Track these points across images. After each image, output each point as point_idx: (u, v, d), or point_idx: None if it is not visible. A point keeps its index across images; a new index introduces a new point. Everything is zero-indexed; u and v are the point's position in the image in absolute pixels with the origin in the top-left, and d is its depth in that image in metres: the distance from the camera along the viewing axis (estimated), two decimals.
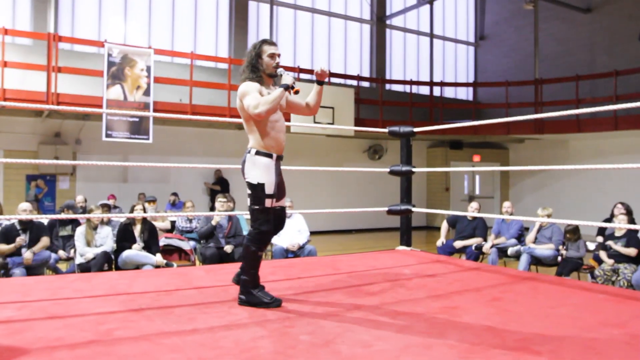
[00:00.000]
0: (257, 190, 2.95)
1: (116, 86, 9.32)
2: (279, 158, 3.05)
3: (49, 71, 8.97)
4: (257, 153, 2.98)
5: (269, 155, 2.99)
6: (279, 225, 3.18)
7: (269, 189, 2.95)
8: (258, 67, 3.04)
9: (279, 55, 3.09)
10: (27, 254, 5.52)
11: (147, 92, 9.57)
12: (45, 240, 5.78)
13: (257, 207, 2.95)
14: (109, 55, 9.29)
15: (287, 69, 11.64)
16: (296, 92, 2.99)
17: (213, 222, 6.25)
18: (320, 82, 3.18)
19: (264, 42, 3.09)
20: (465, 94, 17.16)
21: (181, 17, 12.62)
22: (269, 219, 2.98)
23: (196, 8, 12.80)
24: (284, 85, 2.96)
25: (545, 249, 6.38)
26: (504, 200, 14.39)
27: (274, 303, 2.89)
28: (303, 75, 11.98)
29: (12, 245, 5.53)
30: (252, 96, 2.92)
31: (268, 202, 2.95)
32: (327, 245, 10.30)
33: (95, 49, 10.94)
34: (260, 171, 2.95)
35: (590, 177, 13.15)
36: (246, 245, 2.99)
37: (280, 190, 3.06)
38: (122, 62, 9.40)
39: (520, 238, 6.91)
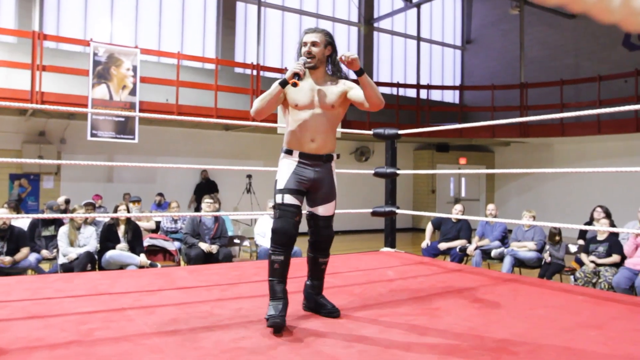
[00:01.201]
0: (275, 187, 2.77)
1: (102, 85, 9.25)
2: (303, 156, 2.76)
3: (33, 69, 8.88)
4: (284, 151, 2.80)
5: (291, 152, 2.78)
6: (316, 235, 2.83)
7: (281, 183, 2.73)
8: (299, 56, 2.82)
9: (306, 44, 2.80)
10: (6, 258, 5.45)
11: (133, 92, 9.51)
12: (24, 252, 5.68)
13: (273, 204, 2.79)
14: (95, 54, 9.22)
15: (273, 70, 11.73)
16: (294, 85, 2.67)
17: (204, 248, 6.21)
18: (357, 72, 2.73)
19: (304, 33, 2.85)
20: (451, 97, 17.28)
21: (168, 17, 12.56)
22: (280, 216, 2.68)
23: (183, 8, 12.75)
24: (281, 79, 2.72)
25: (528, 252, 6.45)
26: (489, 202, 14.53)
27: (269, 320, 2.52)
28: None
29: None
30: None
31: (278, 198, 2.72)
32: None
33: (81, 48, 10.85)
34: (281, 167, 2.78)
35: (574, 180, 13.31)
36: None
37: (292, 186, 2.72)
38: (108, 61, 9.34)
39: (503, 240, 6.98)
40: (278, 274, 2.66)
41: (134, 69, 9.55)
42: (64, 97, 9.13)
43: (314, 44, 2.78)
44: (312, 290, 2.89)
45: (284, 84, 2.72)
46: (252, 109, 2.78)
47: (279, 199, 2.71)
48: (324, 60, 2.83)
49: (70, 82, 10.04)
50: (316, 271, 2.88)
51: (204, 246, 6.17)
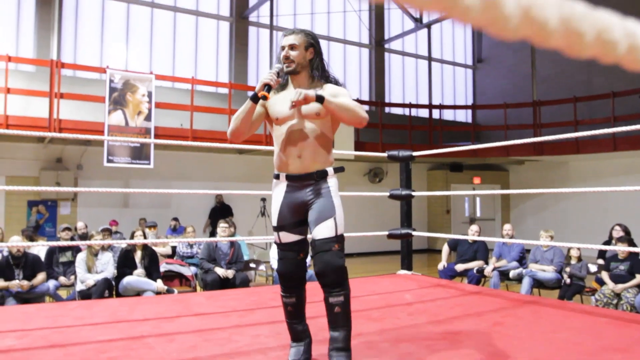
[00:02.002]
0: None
1: (118, 112, 9.41)
2: (290, 177, 2.41)
3: (51, 97, 9.06)
4: (274, 176, 2.49)
5: (278, 176, 2.47)
6: (315, 263, 2.31)
7: (275, 219, 2.43)
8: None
9: (282, 48, 2.47)
10: (24, 282, 5.51)
11: (148, 118, 9.65)
12: (41, 277, 5.74)
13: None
14: (111, 81, 9.40)
15: None
16: (263, 97, 2.36)
17: (220, 273, 6.20)
18: (319, 102, 2.30)
19: (284, 33, 2.52)
20: (464, 116, 17.28)
21: (182, 43, 12.80)
22: (280, 257, 2.41)
23: (197, 34, 12.99)
24: (252, 94, 2.39)
25: (547, 272, 6.37)
26: (505, 222, 14.37)
27: None
28: None
29: (7, 283, 5.50)
30: None
31: (275, 236, 2.43)
32: None
33: (97, 75, 11.08)
34: (273, 197, 2.46)
35: (591, 198, 13.16)
36: None
37: (286, 220, 2.41)
38: (124, 87, 9.51)
39: (521, 261, 6.90)
40: (294, 316, 2.41)
41: (149, 94, 9.71)
42: (81, 123, 9.30)
43: (292, 47, 2.43)
44: (330, 344, 2.27)
45: (254, 98, 2.37)
46: (228, 130, 2.44)
47: (275, 237, 2.43)
48: (306, 64, 2.47)
49: (87, 109, 10.23)
50: (330, 315, 2.27)
51: (220, 271, 6.18)
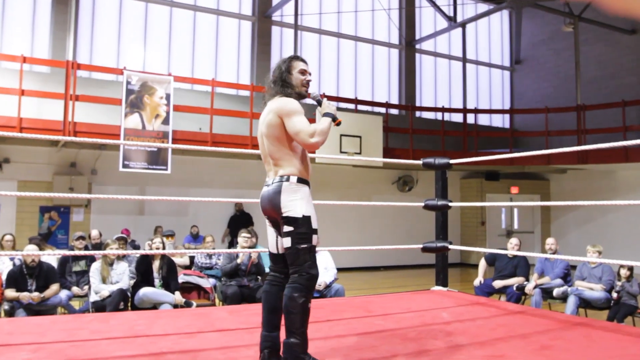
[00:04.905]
0: (302, 226, 2.64)
1: (134, 115, 9.52)
2: (309, 185, 2.84)
3: (66, 99, 9.22)
4: (299, 181, 2.72)
5: (308, 184, 2.77)
6: None
7: (315, 222, 2.68)
8: (289, 82, 2.83)
9: (309, 74, 2.91)
10: (34, 293, 5.58)
11: (166, 121, 9.75)
12: (54, 288, 5.82)
13: (304, 245, 2.62)
14: (128, 82, 9.53)
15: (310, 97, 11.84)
16: (338, 124, 2.83)
17: (238, 260, 6.22)
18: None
19: (293, 57, 2.90)
20: (501, 121, 17.08)
21: (202, 44, 12.93)
22: (315, 261, 2.67)
23: (217, 34, 13.11)
24: (330, 115, 2.81)
25: (595, 291, 6.21)
26: (545, 235, 14.12)
27: None
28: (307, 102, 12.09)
29: (18, 294, 5.57)
30: (303, 120, 2.72)
31: (315, 239, 2.67)
32: (353, 283, 10.19)
33: (114, 77, 11.25)
34: (303, 202, 2.68)
35: None
36: (292, 297, 2.58)
37: None
38: (141, 89, 9.62)
39: (566, 278, 6.74)
40: (308, 323, 2.63)
41: (167, 97, 9.81)
42: (96, 127, 9.43)
43: (310, 73, 2.94)
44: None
45: (335, 119, 2.83)
46: (318, 140, 2.68)
47: (314, 239, 2.67)
48: None
49: (102, 112, 10.38)
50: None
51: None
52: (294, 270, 2.62)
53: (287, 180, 2.69)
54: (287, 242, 2.64)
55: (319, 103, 2.90)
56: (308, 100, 3.06)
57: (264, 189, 2.78)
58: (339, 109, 11.47)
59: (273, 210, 2.71)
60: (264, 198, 2.75)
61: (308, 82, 2.87)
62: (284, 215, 2.65)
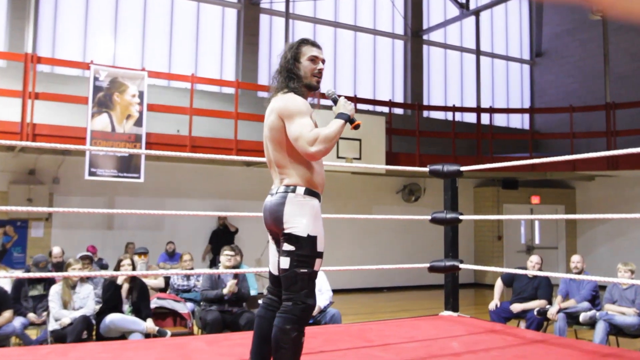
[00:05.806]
0: (305, 247, 2.56)
1: (103, 115, 9.48)
2: (320, 198, 2.79)
3: (24, 97, 9.18)
4: (307, 192, 2.64)
5: (318, 197, 2.70)
6: None
7: (321, 244, 2.60)
8: (296, 73, 2.73)
9: (322, 61, 2.81)
10: None
11: (139, 122, 9.71)
12: (6, 316, 5.77)
13: (304, 270, 2.54)
14: (95, 78, 9.49)
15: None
16: (356, 127, 2.73)
17: (225, 291, 6.19)
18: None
19: (303, 41, 2.79)
20: (519, 121, 17.13)
21: (180, 35, 12.92)
22: (312, 289, 2.59)
23: (198, 23, 13.12)
24: (344, 116, 2.68)
25: (627, 316, 6.19)
26: (570, 251, 14.13)
27: None
28: (324, 102, 12.09)
29: None
30: (305, 123, 2.60)
31: (318, 264, 2.60)
32: (352, 307, 10.16)
33: (80, 72, 11.22)
34: (310, 219, 2.59)
35: None
36: (283, 329, 2.51)
37: None
38: (111, 86, 9.59)
39: (594, 301, 6.73)
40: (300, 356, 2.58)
41: (141, 95, 9.78)
42: (59, 129, 9.39)
43: (323, 61, 2.86)
44: None
45: (349, 121, 2.72)
46: (319, 149, 2.57)
47: (317, 264, 2.60)
48: None
49: (66, 112, 10.34)
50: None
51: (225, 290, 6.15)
52: (288, 297, 2.56)
53: (293, 191, 2.63)
54: (284, 262, 2.56)
55: (335, 102, 2.80)
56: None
57: (267, 198, 2.71)
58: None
59: (274, 224, 2.64)
60: (266, 209, 2.69)
61: (320, 71, 2.77)
62: (286, 231, 2.58)
